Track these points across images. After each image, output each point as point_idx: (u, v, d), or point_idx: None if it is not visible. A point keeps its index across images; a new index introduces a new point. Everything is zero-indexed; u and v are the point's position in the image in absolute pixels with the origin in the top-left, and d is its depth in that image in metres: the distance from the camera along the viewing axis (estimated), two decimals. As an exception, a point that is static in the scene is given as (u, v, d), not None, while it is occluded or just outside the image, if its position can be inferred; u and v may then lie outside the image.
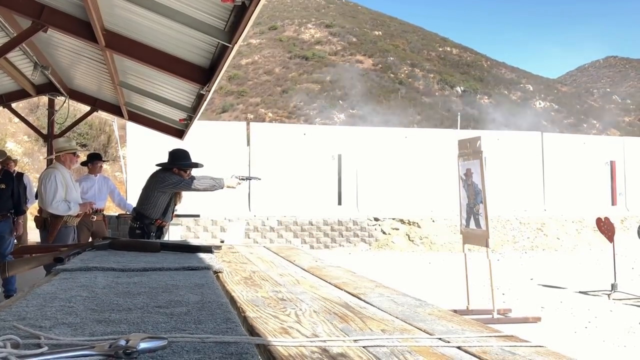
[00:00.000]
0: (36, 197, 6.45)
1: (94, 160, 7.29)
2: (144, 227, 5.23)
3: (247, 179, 5.57)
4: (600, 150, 18.33)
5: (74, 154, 5.97)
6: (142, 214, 5.26)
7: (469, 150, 6.69)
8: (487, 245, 6.27)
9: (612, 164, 18.23)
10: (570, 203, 17.16)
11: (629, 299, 7.60)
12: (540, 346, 1.29)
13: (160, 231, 5.39)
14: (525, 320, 6.20)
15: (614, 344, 5.30)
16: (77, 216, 5.90)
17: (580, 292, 8.26)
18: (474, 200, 6.53)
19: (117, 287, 1.75)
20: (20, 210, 6.91)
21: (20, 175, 7.05)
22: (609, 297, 7.73)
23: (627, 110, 71.59)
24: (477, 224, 6.49)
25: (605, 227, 8.29)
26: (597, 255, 13.38)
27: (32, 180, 9.47)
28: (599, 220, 8.48)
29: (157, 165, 5.49)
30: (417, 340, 1.31)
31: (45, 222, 5.65)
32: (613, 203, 17.99)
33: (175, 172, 5.26)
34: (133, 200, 7.09)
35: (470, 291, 6.78)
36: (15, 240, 6.92)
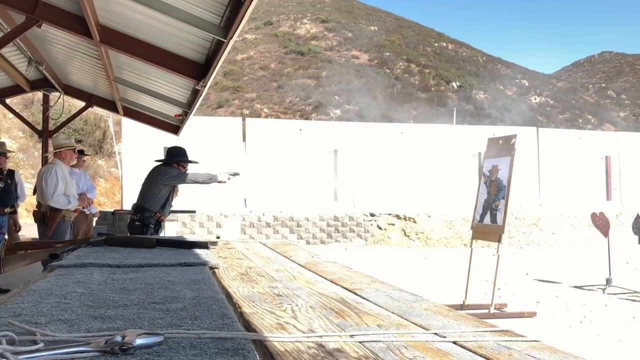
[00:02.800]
0: (34, 193, 6.46)
1: (79, 154, 7.30)
2: (143, 219, 5.48)
3: (233, 175, 5.80)
4: (596, 146, 18.39)
5: (74, 150, 6.06)
6: (143, 206, 5.52)
7: (499, 147, 6.77)
8: (499, 241, 6.30)
9: (607, 159, 18.30)
10: (565, 198, 17.22)
11: (624, 293, 7.64)
12: (535, 341, 1.30)
13: (159, 225, 5.65)
14: (520, 315, 6.22)
15: (609, 338, 5.33)
16: (75, 211, 5.94)
17: (575, 286, 8.29)
18: (495, 196, 6.59)
19: (113, 284, 1.75)
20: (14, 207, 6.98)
21: (11, 172, 7.05)
22: (603, 291, 7.77)
23: (622, 105, 71.78)
24: (494, 220, 6.54)
25: (600, 222, 8.32)
26: (592, 250, 13.44)
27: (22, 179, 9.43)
28: (594, 215, 8.51)
29: (156, 161, 5.82)
30: (413, 336, 1.32)
31: (44, 216, 5.67)
32: (608, 198, 18.07)
33: (175, 167, 5.62)
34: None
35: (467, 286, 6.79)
36: (7, 237, 6.92)
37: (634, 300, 7.22)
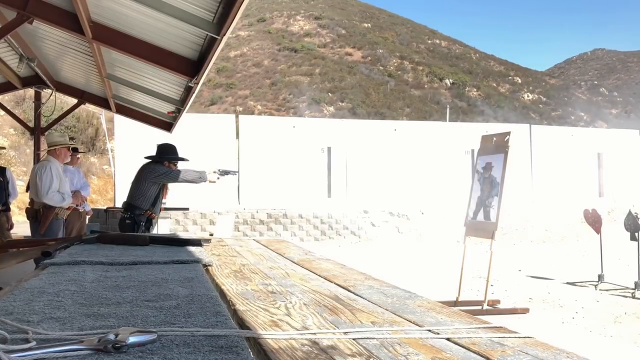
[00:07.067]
0: (27, 190, 6.43)
1: (73, 152, 7.27)
2: (134, 217, 5.43)
3: (225, 173, 5.74)
4: (588, 143, 18.49)
5: (68, 148, 6.02)
6: (133, 204, 5.46)
7: (493, 144, 6.79)
8: (493, 238, 6.32)
9: (599, 156, 18.39)
10: (558, 195, 17.30)
11: (616, 289, 7.68)
12: (528, 337, 1.31)
13: (150, 222, 5.60)
14: (513, 312, 6.25)
15: (601, 334, 5.37)
16: (68, 209, 5.91)
17: (567, 283, 8.34)
18: (489, 193, 6.61)
19: (106, 281, 1.74)
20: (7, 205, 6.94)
21: (3, 169, 7.02)
22: (595, 287, 7.81)
23: (614, 102, 72.09)
24: (487, 217, 6.56)
25: (593, 219, 8.37)
26: (584, 246, 13.51)
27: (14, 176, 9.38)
28: (586, 212, 8.55)
29: (146, 157, 5.75)
30: (407, 332, 1.32)
31: (37, 213, 5.64)
32: (600, 195, 18.17)
33: (165, 164, 5.55)
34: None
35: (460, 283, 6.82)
36: None
37: (626, 297, 7.27)
